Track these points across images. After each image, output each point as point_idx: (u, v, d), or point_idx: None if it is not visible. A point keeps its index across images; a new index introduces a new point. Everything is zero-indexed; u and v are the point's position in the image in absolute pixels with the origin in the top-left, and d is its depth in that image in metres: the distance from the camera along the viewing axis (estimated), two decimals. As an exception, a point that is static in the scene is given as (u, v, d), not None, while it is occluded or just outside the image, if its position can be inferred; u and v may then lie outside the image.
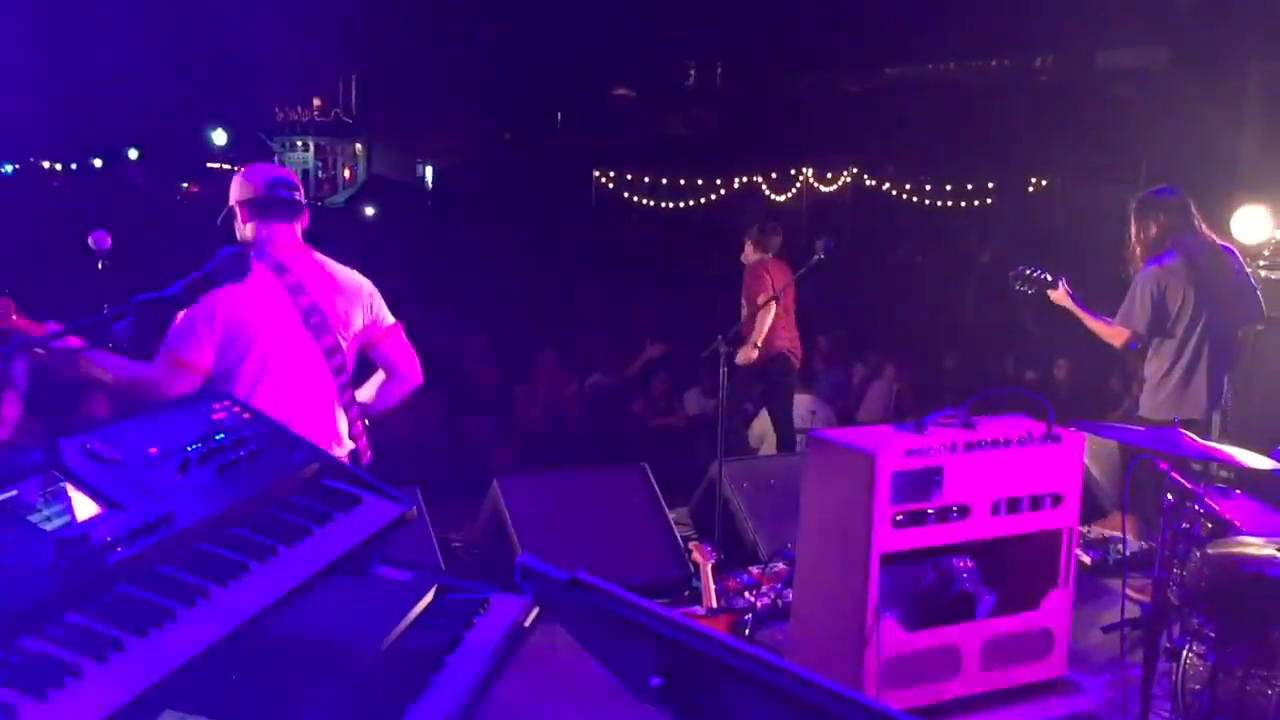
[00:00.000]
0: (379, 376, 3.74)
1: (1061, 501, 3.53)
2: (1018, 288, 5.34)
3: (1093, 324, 5.30)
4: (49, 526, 1.73)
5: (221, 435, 2.18)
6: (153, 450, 2.04)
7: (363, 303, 3.58)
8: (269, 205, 3.51)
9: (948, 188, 22.62)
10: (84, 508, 1.83)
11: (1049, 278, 5.27)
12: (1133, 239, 5.27)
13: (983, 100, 23.44)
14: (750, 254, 7.57)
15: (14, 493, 1.77)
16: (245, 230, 3.55)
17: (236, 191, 3.56)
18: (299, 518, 2.08)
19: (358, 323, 3.57)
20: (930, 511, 3.31)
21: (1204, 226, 5.25)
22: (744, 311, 7.33)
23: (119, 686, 1.50)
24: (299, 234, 3.57)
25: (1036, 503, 3.48)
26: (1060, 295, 5.27)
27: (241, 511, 2.03)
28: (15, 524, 1.70)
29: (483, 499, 5.63)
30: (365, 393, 3.70)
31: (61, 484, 1.86)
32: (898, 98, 25.46)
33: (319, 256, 3.59)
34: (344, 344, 3.51)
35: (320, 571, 1.95)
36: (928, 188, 22.98)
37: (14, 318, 3.01)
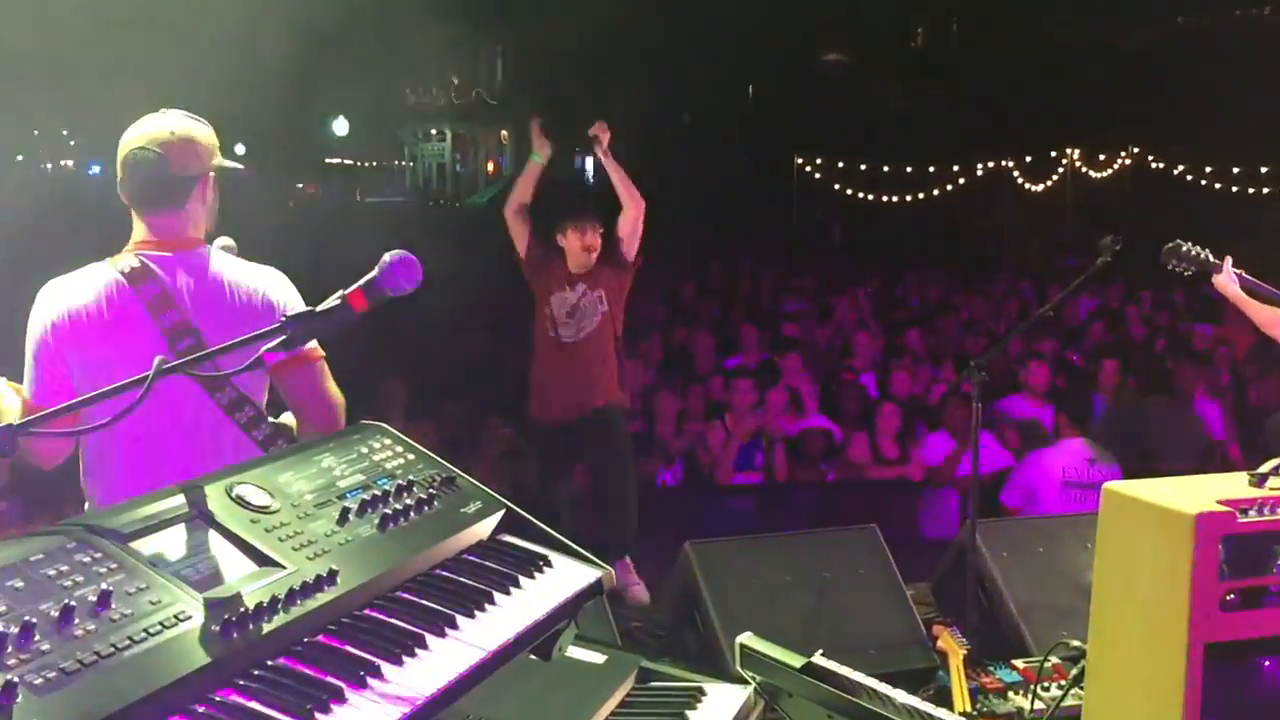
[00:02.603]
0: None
1: None
2: (1172, 267, 5.80)
3: (1255, 313, 5.71)
4: (197, 587, 1.83)
5: (384, 480, 2.28)
6: (307, 497, 2.14)
7: (259, 318, 3.23)
8: (129, 185, 3.34)
9: (1263, 169, 21.77)
10: (233, 564, 1.94)
11: (1211, 258, 5.74)
12: None
13: (1310, 54, 22.48)
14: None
15: (155, 546, 1.89)
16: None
17: None
18: (478, 581, 2.15)
19: (253, 351, 3.28)
20: (1272, 590, 3.18)
21: None
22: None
23: (282, 778, 1.57)
24: (184, 223, 3.36)
25: None
26: (1224, 279, 5.71)
27: (410, 573, 2.12)
28: (160, 582, 1.80)
29: (667, 567, 5.68)
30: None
31: (207, 534, 1.97)
32: (1194, 56, 24.65)
33: (211, 254, 3.38)
34: (238, 382, 3.23)
35: (505, 646, 2.01)
36: (1235, 170, 22.17)
37: None
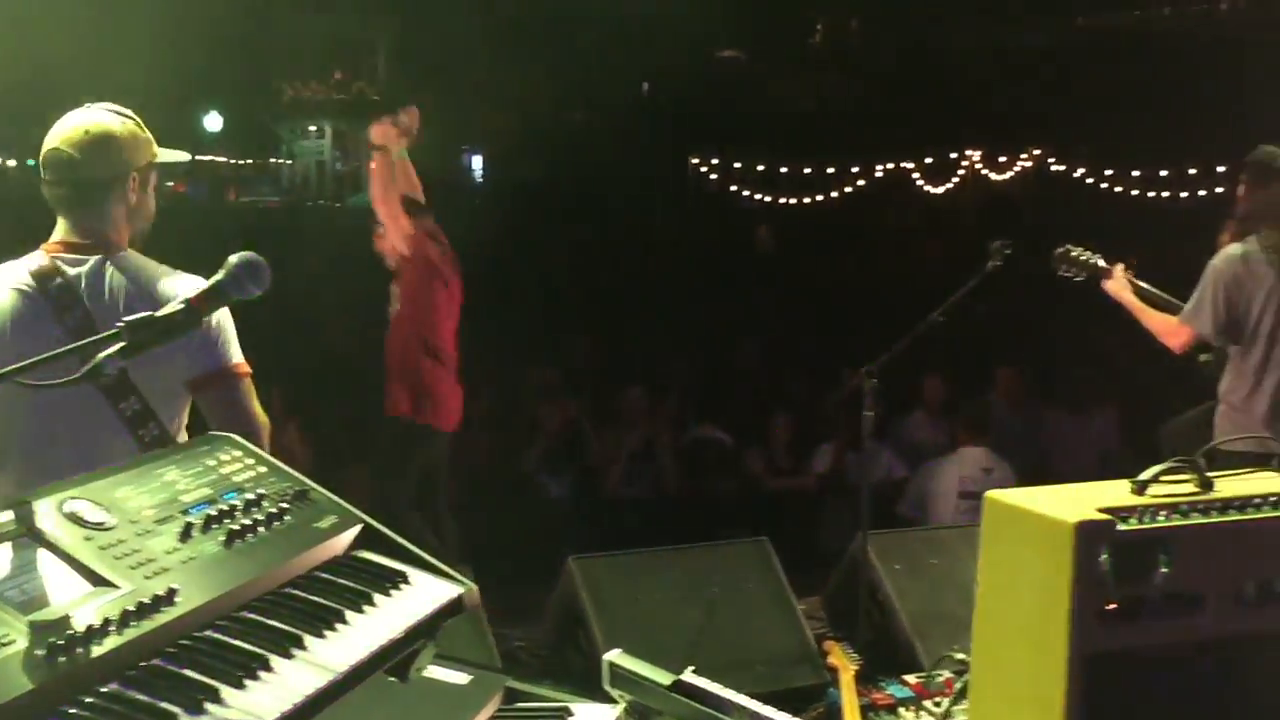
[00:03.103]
0: None
1: (1333, 588, 3.44)
2: (1062, 272, 6.01)
3: (1148, 321, 5.86)
4: (21, 609, 1.80)
5: (232, 494, 2.26)
6: (147, 512, 2.11)
7: (182, 344, 3.04)
8: (47, 186, 3.36)
9: (1163, 174, 22.28)
10: (64, 585, 1.90)
11: (1102, 264, 5.94)
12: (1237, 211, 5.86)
13: (1211, 57, 23.06)
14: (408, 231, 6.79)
15: (-23, 565, 1.85)
16: None
17: None
18: (330, 599, 2.14)
19: (171, 366, 3.24)
20: (1153, 599, 3.24)
21: None
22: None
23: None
24: (102, 224, 3.35)
25: (1298, 589, 3.39)
26: (1116, 285, 5.91)
27: (257, 591, 2.10)
28: (-19, 604, 1.76)
29: (551, 585, 5.68)
30: None
31: (35, 553, 1.93)
32: (1094, 57, 25.17)
33: (127, 259, 3.36)
34: (150, 398, 3.23)
35: (356, 667, 2.00)
36: (1135, 174, 22.67)
37: None
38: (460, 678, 2.51)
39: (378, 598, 2.19)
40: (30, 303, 3.22)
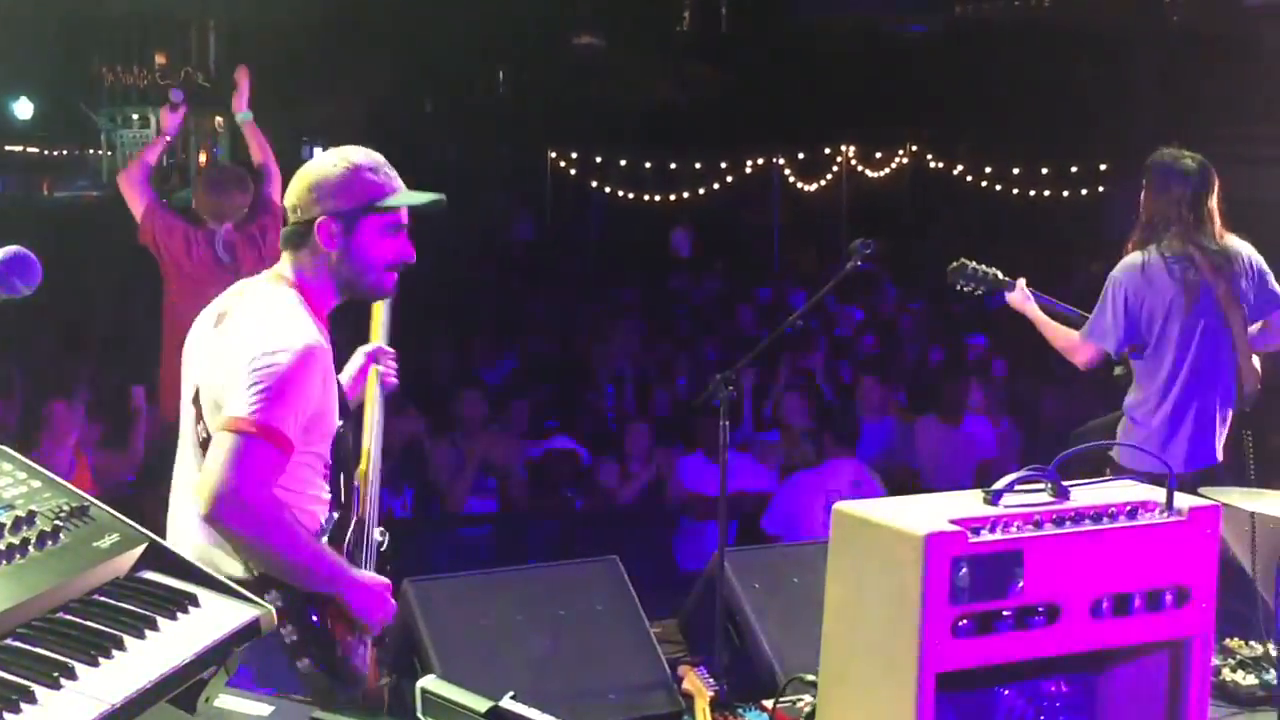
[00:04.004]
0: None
1: (1189, 599, 3.54)
2: (960, 288, 6.14)
3: (1053, 337, 6.03)
4: None
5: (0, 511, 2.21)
6: (-100, 532, 2.06)
7: (224, 378, 3.33)
8: None
9: (1044, 171, 22.71)
10: None
11: (1001, 276, 6.07)
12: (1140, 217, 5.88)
13: (1092, 50, 23.61)
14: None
15: None
16: None
17: None
18: (107, 624, 2.10)
19: (217, 396, 3.35)
20: (1006, 613, 3.30)
21: (1216, 215, 5.76)
22: None
23: None
24: (293, 267, 3.55)
25: (1154, 600, 3.47)
26: (1020, 298, 6.04)
27: (25, 616, 2.05)
28: None
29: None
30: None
31: None
32: (974, 47, 25.59)
33: (273, 300, 3.48)
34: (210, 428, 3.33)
35: (134, 698, 1.97)
36: (1015, 171, 23.08)
37: None
38: (261, 709, 2.49)
39: (162, 622, 2.16)
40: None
